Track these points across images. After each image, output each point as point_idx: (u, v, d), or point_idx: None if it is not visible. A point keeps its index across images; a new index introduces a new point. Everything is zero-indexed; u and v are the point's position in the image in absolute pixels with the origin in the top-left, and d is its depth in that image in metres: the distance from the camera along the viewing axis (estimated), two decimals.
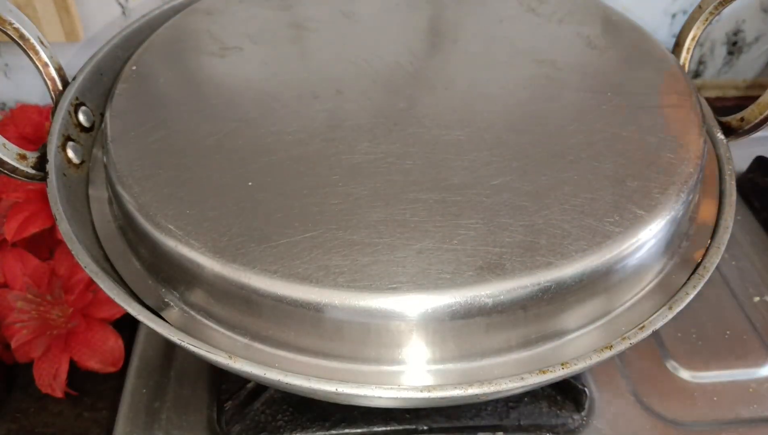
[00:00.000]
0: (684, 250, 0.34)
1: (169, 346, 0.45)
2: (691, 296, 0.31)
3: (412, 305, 0.28)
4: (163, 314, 0.31)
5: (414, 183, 0.32)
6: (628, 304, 0.32)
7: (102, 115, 0.41)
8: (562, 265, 0.29)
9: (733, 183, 0.37)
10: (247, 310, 0.29)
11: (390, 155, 0.33)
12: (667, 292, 0.32)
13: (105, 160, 0.35)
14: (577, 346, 0.30)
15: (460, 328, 0.28)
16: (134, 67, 0.40)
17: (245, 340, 0.30)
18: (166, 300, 0.32)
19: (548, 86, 0.38)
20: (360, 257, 0.28)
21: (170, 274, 0.31)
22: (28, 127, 0.53)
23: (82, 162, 0.39)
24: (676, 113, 0.37)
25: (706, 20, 0.43)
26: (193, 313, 0.31)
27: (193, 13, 0.44)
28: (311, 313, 0.28)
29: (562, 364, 0.27)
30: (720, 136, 0.40)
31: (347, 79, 0.38)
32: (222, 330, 0.30)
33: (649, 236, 0.31)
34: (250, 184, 0.32)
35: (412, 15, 0.44)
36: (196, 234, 0.29)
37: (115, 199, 0.34)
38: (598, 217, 0.30)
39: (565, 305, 0.30)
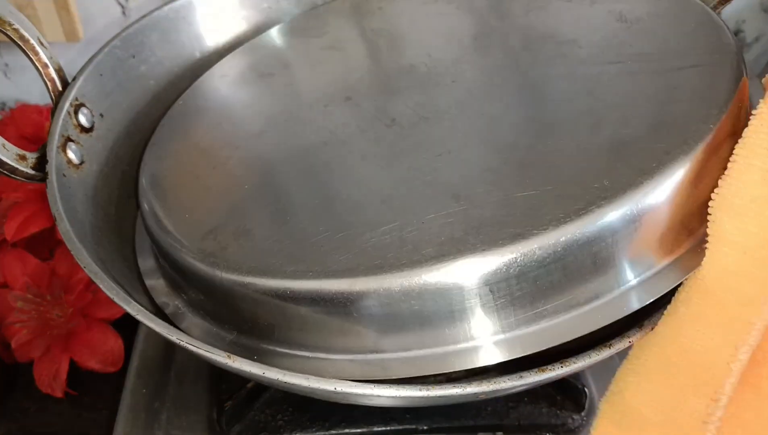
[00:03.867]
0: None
1: (169, 346, 0.45)
2: None
3: (363, 288, 0.28)
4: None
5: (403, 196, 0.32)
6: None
7: (102, 115, 0.41)
8: (532, 238, 0.27)
9: None
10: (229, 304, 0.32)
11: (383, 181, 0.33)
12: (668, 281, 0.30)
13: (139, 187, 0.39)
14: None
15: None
16: (181, 102, 0.44)
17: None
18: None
19: (563, 64, 0.36)
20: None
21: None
22: (28, 127, 0.53)
23: (82, 162, 0.39)
24: (703, 75, 0.33)
25: None
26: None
27: (243, 53, 0.47)
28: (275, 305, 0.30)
29: (561, 363, 0.27)
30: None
31: (361, 89, 0.39)
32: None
33: (646, 199, 0.28)
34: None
35: (439, 19, 0.44)
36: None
37: (141, 213, 0.38)
38: (585, 185, 0.28)
39: (541, 283, 0.28)
